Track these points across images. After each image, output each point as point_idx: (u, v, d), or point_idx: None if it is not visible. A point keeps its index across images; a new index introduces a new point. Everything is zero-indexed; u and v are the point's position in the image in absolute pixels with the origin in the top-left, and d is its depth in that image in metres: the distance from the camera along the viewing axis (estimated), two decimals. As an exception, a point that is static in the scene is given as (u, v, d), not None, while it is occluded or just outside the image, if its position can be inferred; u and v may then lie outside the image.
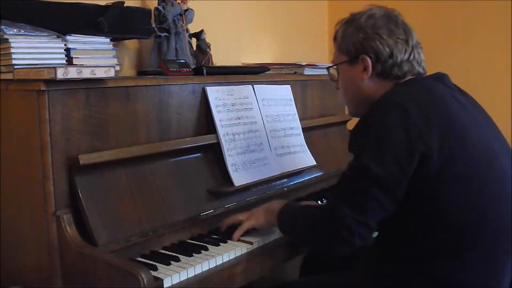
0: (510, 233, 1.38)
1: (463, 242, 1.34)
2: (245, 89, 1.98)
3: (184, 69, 1.89)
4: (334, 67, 1.59)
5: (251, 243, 1.59)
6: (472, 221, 1.34)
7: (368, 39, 1.46)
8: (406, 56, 1.47)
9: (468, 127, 1.38)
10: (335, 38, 1.60)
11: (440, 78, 1.49)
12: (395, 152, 1.29)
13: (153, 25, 2.05)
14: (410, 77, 1.48)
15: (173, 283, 1.36)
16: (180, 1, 2.13)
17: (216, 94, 1.85)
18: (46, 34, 1.61)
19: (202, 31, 2.25)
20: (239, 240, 1.61)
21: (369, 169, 1.30)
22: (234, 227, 1.64)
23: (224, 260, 1.51)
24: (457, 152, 1.32)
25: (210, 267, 1.46)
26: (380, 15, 1.49)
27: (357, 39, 1.48)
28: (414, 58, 1.48)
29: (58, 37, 1.64)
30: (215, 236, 1.65)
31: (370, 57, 1.46)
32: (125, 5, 1.86)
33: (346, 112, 2.60)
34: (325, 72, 2.52)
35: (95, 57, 1.74)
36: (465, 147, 1.34)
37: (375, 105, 1.39)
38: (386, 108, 1.35)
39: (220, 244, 1.58)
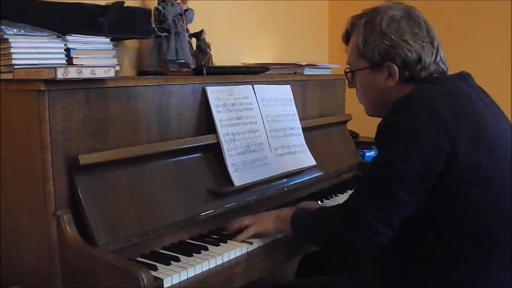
0: None
1: (483, 246, 1.33)
2: (245, 89, 1.98)
3: (184, 69, 1.89)
4: (354, 71, 1.53)
5: (251, 243, 1.59)
6: (493, 225, 1.33)
7: (394, 46, 1.41)
8: (433, 58, 1.43)
9: (494, 130, 1.36)
10: (346, 38, 1.54)
11: (465, 77, 1.46)
12: (422, 150, 1.27)
13: (153, 25, 2.05)
14: (435, 75, 1.45)
15: (173, 283, 1.36)
16: (180, 1, 2.13)
17: (216, 94, 1.85)
18: (46, 34, 1.61)
19: (202, 31, 2.25)
20: (239, 240, 1.61)
21: (394, 167, 1.28)
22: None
23: (224, 260, 1.50)
24: (483, 156, 1.30)
25: (210, 267, 1.46)
26: (401, 17, 1.43)
27: (383, 47, 1.42)
28: (440, 58, 1.46)
29: (58, 37, 1.64)
30: (215, 236, 1.65)
31: (397, 65, 1.42)
32: (125, 5, 1.86)
33: (346, 112, 2.61)
34: (325, 72, 2.56)
35: (95, 57, 1.74)
36: (491, 150, 1.32)
37: (402, 101, 1.34)
38: (414, 105, 1.31)
39: (220, 244, 1.58)
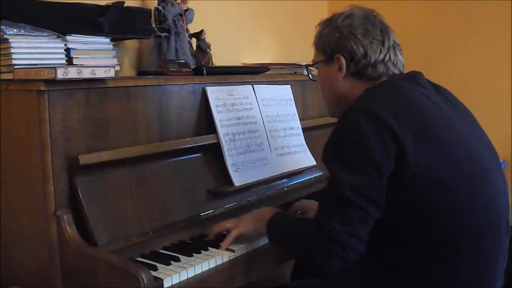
0: (497, 233, 1.36)
1: (448, 245, 1.31)
2: (245, 89, 1.98)
3: (184, 69, 1.89)
4: (314, 66, 1.59)
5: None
6: (455, 223, 1.31)
7: (342, 38, 1.46)
8: (381, 56, 1.45)
9: (444, 128, 1.35)
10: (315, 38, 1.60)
11: (413, 77, 1.47)
12: (371, 156, 1.27)
13: (153, 25, 2.05)
14: (382, 80, 1.46)
15: (173, 283, 1.36)
16: (180, 1, 2.13)
17: (216, 94, 1.85)
18: (46, 34, 1.61)
19: (202, 31, 2.25)
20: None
21: (348, 178, 1.28)
22: (222, 234, 1.61)
23: (224, 260, 1.51)
24: (434, 155, 1.29)
25: (210, 267, 1.46)
26: (359, 15, 1.48)
27: (332, 39, 1.48)
28: (390, 59, 1.46)
29: (58, 37, 1.64)
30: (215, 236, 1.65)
31: (345, 57, 1.46)
32: (125, 5, 1.86)
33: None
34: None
35: (95, 57, 1.74)
36: (442, 149, 1.31)
37: (344, 114, 1.36)
38: (355, 115, 1.32)
39: (220, 244, 1.58)
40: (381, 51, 1.45)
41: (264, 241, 1.62)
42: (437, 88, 1.49)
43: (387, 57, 1.46)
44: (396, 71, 1.48)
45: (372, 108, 1.31)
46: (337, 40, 1.47)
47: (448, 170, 1.31)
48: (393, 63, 1.47)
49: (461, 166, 1.33)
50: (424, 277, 1.33)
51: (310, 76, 1.68)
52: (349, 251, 1.28)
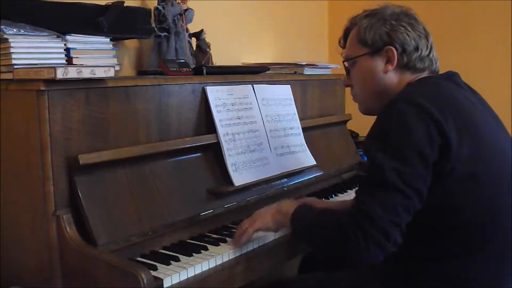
0: None
1: (474, 241, 1.34)
2: (245, 89, 1.98)
3: (184, 69, 1.88)
4: (354, 59, 1.55)
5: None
6: (484, 221, 1.34)
7: (395, 30, 1.47)
8: (428, 51, 1.48)
9: (481, 127, 1.38)
10: (345, 36, 1.59)
11: (451, 77, 1.50)
12: (418, 147, 1.28)
13: (153, 25, 2.05)
14: (423, 76, 1.49)
15: (173, 283, 1.36)
16: (180, 1, 2.13)
17: (216, 94, 1.85)
18: (46, 34, 1.61)
19: (202, 31, 2.25)
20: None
21: (394, 167, 1.27)
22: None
23: (224, 260, 1.51)
24: (473, 150, 1.32)
25: (210, 267, 1.46)
26: (399, 11, 1.50)
27: (384, 30, 1.47)
28: (433, 56, 1.50)
29: (58, 37, 1.64)
30: (215, 236, 1.65)
31: (397, 49, 1.46)
32: (125, 5, 1.86)
33: (346, 112, 2.61)
34: (325, 72, 2.56)
35: (95, 57, 1.74)
36: (479, 146, 1.34)
37: (388, 107, 1.36)
38: (402, 108, 1.32)
39: (220, 244, 1.58)
40: (427, 46, 1.48)
41: (264, 240, 1.63)
42: (472, 90, 1.53)
43: (431, 53, 1.50)
44: (436, 68, 1.52)
45: (419, 102, 1.32)
46: (389, 31, 1.47)
47: (483, 167, 1.34)
48: (434, 60, 1.51)
49: (494, 164, 1.37)
50: (443, 268, 1.35)
51: (347, 70, 1.61)
52: (391, 240, 1.28)
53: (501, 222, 1.36)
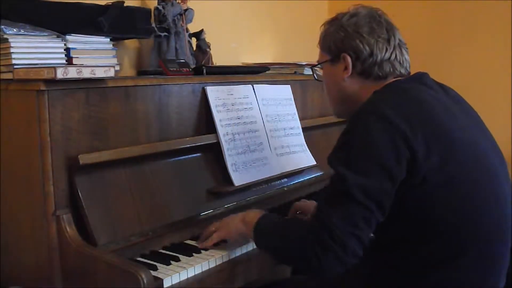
0: (503, 237, 1.36)
1: (455, 248, 1.31)
2: (245, 89, 1.98)
3: (184, 68, 1.89)
4: (319, 66, 1.59)
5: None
6: (463, 227, 1.31)
7: (348, 37, 1.45)
8: (387, 55, 1.44)
9: (453, 128, 1.34)
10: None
11: (420, 78, 1.46)
12: (382, 160, 1.25)
13: (153, 24, 2.05)
14: (389, 81, 1.45)
15: (173, 283, 1.36)
16: (180, 1, 2.13)
17: (216, 94, 1.85)
18: (46, 34, 1.62)
19: (202, 31, 2.25)
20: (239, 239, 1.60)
21: (357, 180, 1.25)
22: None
23: (224, 260, 1.50)
24: (444, 157, 1.28)
25: (210, 267, 1.46)
26: (364, 14, 1.48)
27: (338, 38, 1.47)
28: (396, 58, 1.46)
29: (58, 37, 1.65)
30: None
31: (350, 56, 1.45)
32: (125, 5, 1.86)
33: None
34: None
35: (95, 57, 1.74)
36: (452, 151, 1.30)
37: (354, 118, 1.34)
38: (366, 120, 1.30)
39: (220, 244, 1.58)
40: (387, 50, 1.44)
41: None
42: (444, 88, 1.48)
43: (393, 56, 1.45)
44: (403, 70, 1.47)
45: (383, 112, 1.29)
46: (343, 39, 1.46)
47: (458, 172, 1.30)
48: (400, 62, 1.46)
49: (470, 169, 1.32)
50: (427, 278, 1.32)
51: (315, 76, 1.67)
52: (349, 253, 1.25)
53: (482, 223, 1.33)
